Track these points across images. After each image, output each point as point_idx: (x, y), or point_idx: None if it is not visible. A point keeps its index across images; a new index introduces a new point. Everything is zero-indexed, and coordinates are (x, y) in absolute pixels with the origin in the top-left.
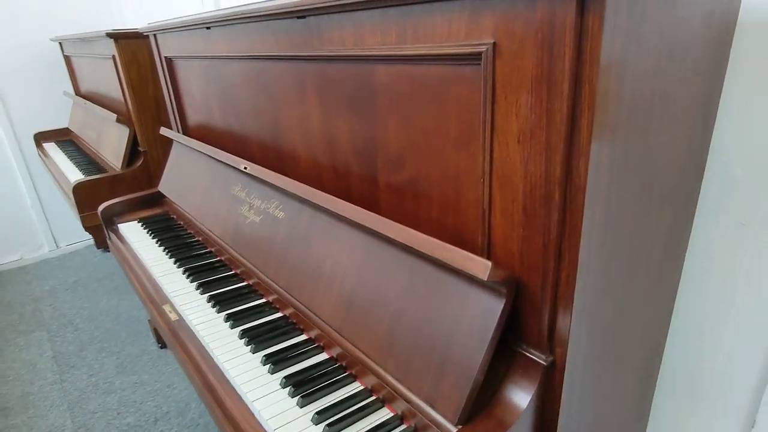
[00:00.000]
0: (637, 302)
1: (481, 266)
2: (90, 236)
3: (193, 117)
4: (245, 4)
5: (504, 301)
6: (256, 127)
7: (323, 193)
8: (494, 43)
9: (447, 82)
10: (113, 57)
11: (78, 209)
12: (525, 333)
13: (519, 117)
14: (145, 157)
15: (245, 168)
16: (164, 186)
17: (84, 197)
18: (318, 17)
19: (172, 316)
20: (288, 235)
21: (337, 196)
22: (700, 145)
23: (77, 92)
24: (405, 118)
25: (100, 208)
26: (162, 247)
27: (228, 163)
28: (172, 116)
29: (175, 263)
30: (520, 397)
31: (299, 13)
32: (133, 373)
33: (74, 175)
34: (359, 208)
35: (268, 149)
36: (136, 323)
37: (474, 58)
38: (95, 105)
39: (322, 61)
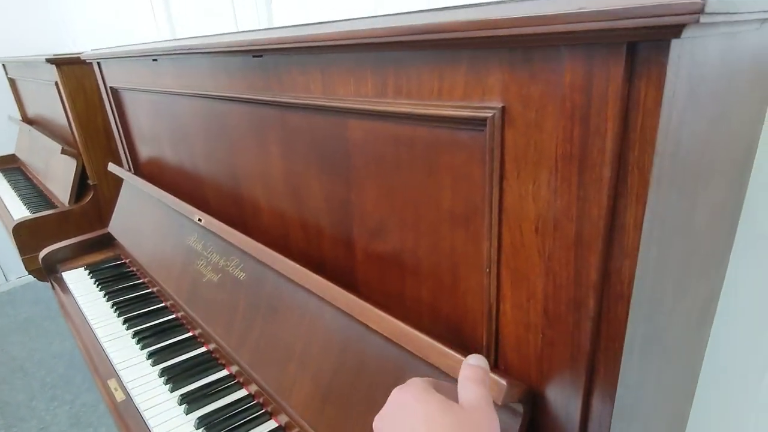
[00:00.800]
0: (672, 398)
1: (493, 388)
2: None
3: (144, 152)
4: (195, 37)
5: (520, 421)
6: (211, 171)
7: (288, 262)
8: (503, 108)
9: (437, 146)
10: (56, 84)
11: (20, 252)
12: None
13: (538, 201)
14: (95, 192)
15: (199, 219)
16: (115, 227)
17: (27, 238)
18: (277, 57)
19: (118, 396)
20: (251, 302)
21: (306, 259)
22: (734, 209)
23: (24, 117)
24: (386, 182)
25: (42, 254)
26: (110, 302)
27: (180, 211)
28: (122, 151)
29: (124, 323)
30: None
31: (255, 52)
32: (88, 426)
33: (18, 210)
34: (332, 285)
35: (226, 197)
36: None
37: (475, 123)
38: (41, 133)
39: (283, 108)
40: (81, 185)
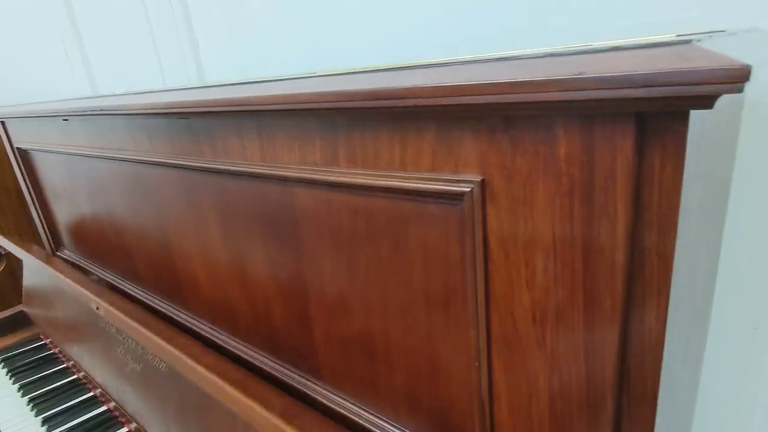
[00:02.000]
0: None
1: None
2: None
3: (63, 218)
4: (112, 95)
5: None
6: (138, 239)
7: (199, 370)
8: (483, 181)
9: (403, 219)
10: None
11: None
12: None
13: (533, 287)
14: (9, 260)
15: (97, 308)
16: (29, 304)
17: None
18: (207, 120)
19: None
20: (181, 396)
21: (256, 341)
22: (713, 250)
23: None
24: (344, 256)
25: None
26: (26, 398)
27: (78, 297)
28: (36, 216)
29: (42, 425)
30: None
31: (180, 114)
32: None
33: None
34: (252, 404)
35: (157, 266)
36: None
37: (449, 197)
38: None
39: (218, 174)
40: None
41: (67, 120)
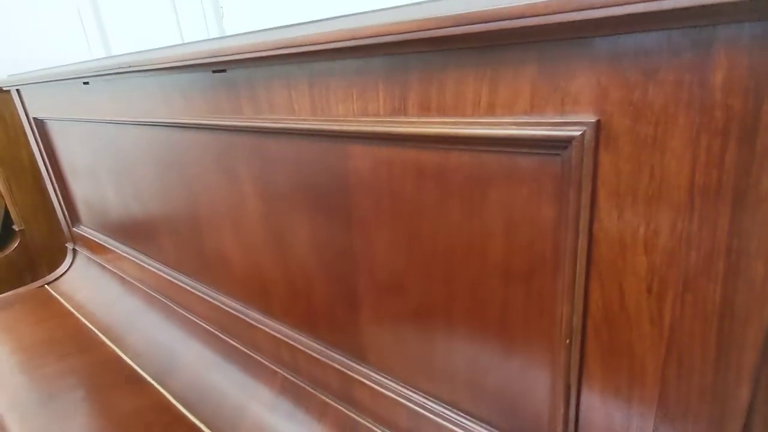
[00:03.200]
0: None
1: None
2: None
3: (81, 193)
4: (136, 52)
5: None
6: (165, 214)
7: None
8: (598, 123)
9: (483, 180)
10: None
11: None
12: None
13: (653, 251)
14: (23, 238)
15: None
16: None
17: None
18: (247, 71)
19: None
20: None
21: (292, 320)
22: None
23: None
24: (405, 226)
25: None
26: None
27: None
28: (52, 192)
29: None
30: None
31: (217, 65)
32: None
33: None
34: None
35: (185, 243)
36: None
37: (550, 145)
38: None
39: (258, 134)
40: (5, 232)
41: (87, 83)
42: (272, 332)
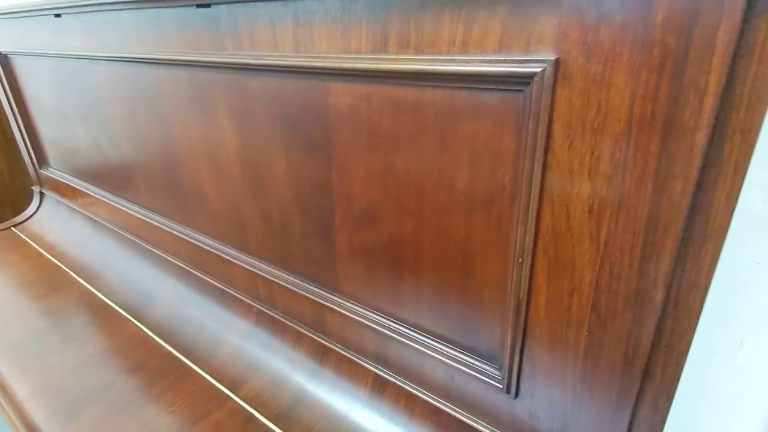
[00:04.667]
0: None
1: None
2: None
3: (49, 133)
4: None
5: None
6: (139, 153)
7: None
8: (557, 60)
9: (453, 114)
10: None
11: None
12: None
13: (596, 176)
14: None
15: None
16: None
17: None
18: (231, 7)
19: None
20: None
21: (270, 256)
22: None
23: None
24: (380, 160)
25: None
26: None
27: None
28: (17, 133)
29: None
30: None
31: (200, 0)
32: None
33: None
34: None
35: (160, 182)
36: None
37: (514, 81)
38: None
39: (238, 70)
40: None
41: (59, 16)
42: (248, 267)
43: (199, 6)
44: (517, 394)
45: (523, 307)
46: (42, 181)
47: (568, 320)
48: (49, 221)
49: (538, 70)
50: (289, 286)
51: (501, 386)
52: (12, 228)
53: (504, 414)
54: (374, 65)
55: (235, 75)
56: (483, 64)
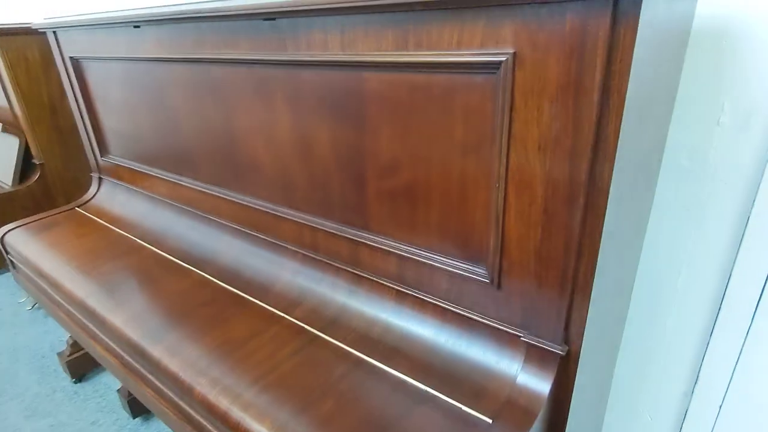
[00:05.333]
0: (624, 281)
1: None
2: None
3: (112, 124)
4: (188, 3)
5: None
6: (201, 136)
7: None
8: (515, 53)
9: (452, 90)
10: None
11: None
12: (540, 325)
13: (540, 125)
14: (43, 170)
15: None
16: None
17: None
18: (294, 20)
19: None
20: None
21: (314, 208)
22: (660, 140)
23: None
24: (401, 125)
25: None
26: None
27: None
28: (82, 127)
29: None
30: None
31: (268, 15)
32: (47, 415)
33: None
34: None
35: (219, 159)
36: (40, 359)
37: (490, 67)
38: None
39: (295, 66)
40: (25, 166)
41: (138, 27)
42: (295, 219)
43: (265, 19)
44: (499, 286)
45: (501, 218)
46: (101, 168)
47: (529, 222)
48: (110, 201)
49: (504, 59)
50: (329, 230)
51: (488, 281)
52: (76, 208)
53: (490, 303)
54: (397, 59)
55: (293, 69)
56: (470, 56)
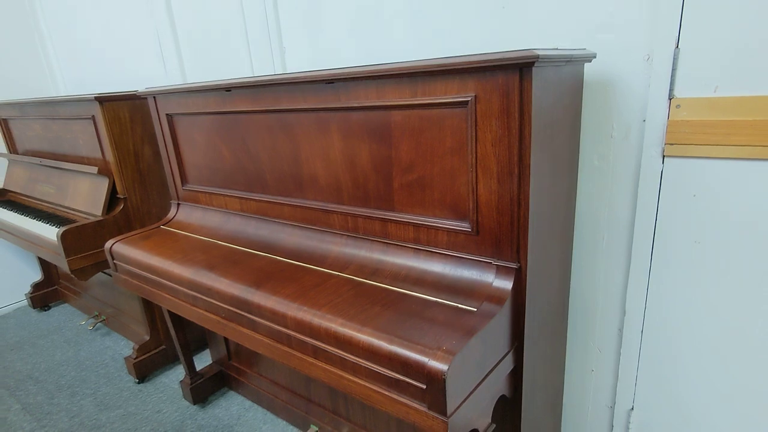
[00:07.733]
0: (562, 232)
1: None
2: (23, 297)
3: (194, 161)
4: (273, 75)
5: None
6: (272, 161)
7: None
8: (475, 96)
9: (443, 117)
10: (92, 117)
11: (65, 254)
12: (502, 253)
13: (491, 132)
14: (125, 204)
15: None
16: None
17: (71, 242)
18: (345, 82)
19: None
20: None
21: (356, 202)
22: (575, 146)
23: (13, 152)
24: (414, 140)
25: (108, 245)
26: None
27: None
28: (167, 165)
29: None
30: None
31: (329, 80)
32: (117, 407)
33: (38, 227)
34: None
35: (286, 177)
36: (104, 367)
37: (463, 104)
38: (56, 161)
39: (346, 110)
40: (111, 199)
41: (229, 90)
42: (342, 212)
43: (326, 83)
44: (477, 233)
45: (474, 190)
46: (180, 196)
47: (490, 190)
48: (188, 218)
49: (470, 98)
50: (366, 215)
51: (471, 231)
52: (161, 226)
53: (473, 245)
54: (411, 102)
55: (344, 112)
56: (452, 98)
